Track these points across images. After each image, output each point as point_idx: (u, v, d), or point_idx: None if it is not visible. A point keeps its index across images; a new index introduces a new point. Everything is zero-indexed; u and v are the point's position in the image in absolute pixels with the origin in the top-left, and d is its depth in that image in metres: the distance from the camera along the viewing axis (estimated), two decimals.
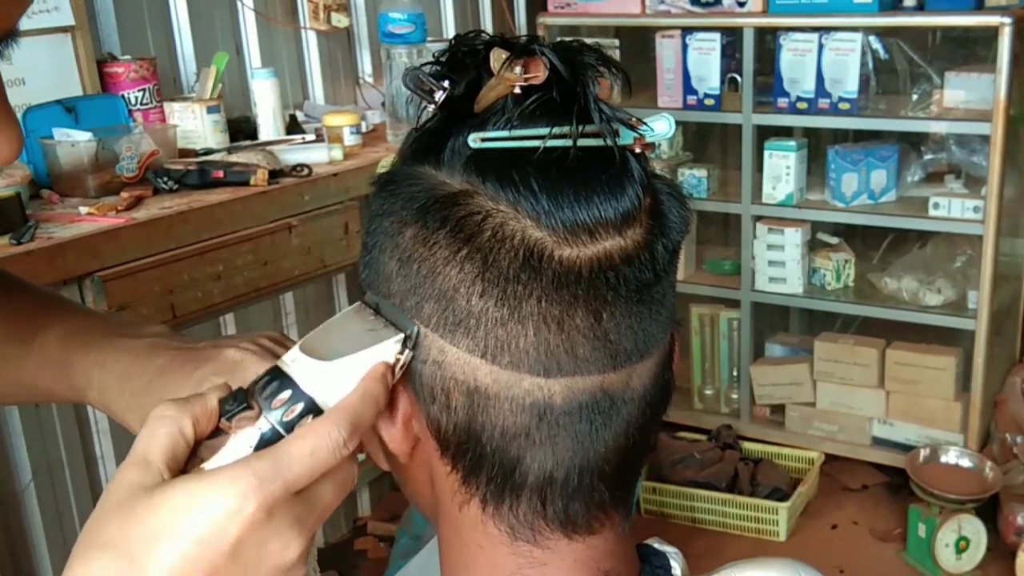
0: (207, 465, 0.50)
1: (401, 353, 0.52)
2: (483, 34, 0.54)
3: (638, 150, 0.52)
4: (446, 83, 0.53)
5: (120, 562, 0.46)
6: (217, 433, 0.51)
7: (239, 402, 0.51)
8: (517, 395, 0.52)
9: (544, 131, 0.50)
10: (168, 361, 0.69)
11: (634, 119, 0.52)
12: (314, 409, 0.51)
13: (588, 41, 0.53)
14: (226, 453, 0.50)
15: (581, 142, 0.51)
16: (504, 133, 0.51)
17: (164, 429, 0.50)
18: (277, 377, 0.51)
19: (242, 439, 0.50)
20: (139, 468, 0.48)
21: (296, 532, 0.48)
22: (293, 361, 0.52)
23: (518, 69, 0.50)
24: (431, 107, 0.54)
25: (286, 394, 0.51)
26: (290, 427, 0.50)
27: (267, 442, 0.50)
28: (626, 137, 0.52)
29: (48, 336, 0.74)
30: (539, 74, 0.51)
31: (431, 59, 0.54)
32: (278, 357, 0.66)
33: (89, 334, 0.74)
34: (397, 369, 0.53)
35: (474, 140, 0.51)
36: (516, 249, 0.50)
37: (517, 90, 0.51)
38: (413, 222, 0.52)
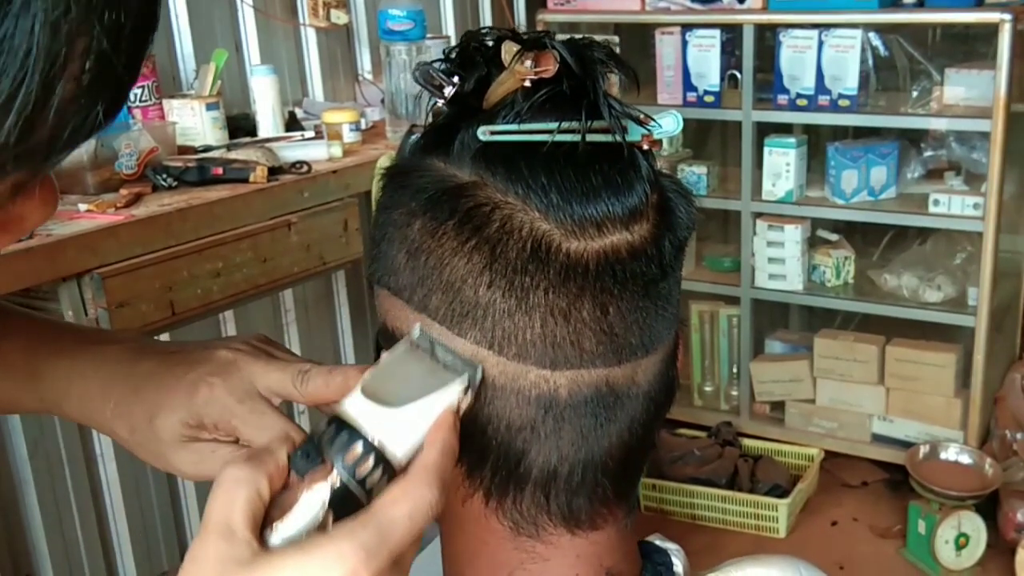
0: (281, 525, 0.48)
1: (465, 395, 0.51)
2: (493, 30, 0.54)
3: (646, 147, 0.52)
4: (455, 79, 0.54)
5: None
6: (284, 487, 0.49)
7: (310, 457, 0.49)
8: (523, 387, 0.52)
9: (553, 125, 0.51)
10: (156, 365, 0.66)
11: (643, 115, 0.52)
12: (384, 461, 0.49)
13: (599, 39, 0.53)
14: (300, 511, 0.48)
15: (590, 137, 0.51)
16: (513, 127, 0.51)
17: (243, 493, 0.47)
18: (344, 428, 0.49)
19: (315, 495, 0.48)
20: (226, 539, 0.45)
21: None
22: (357, 410, 0.50)
23: (529, 62, 0.51)
24: (440, 102, 0.54)
25: (357, 447, 0.49)
26: (362, 481, 0.48)
27: (339, 497, 0.48)
28: (634, 133, 0.52)
29: (10, 345, 0.71)
30: (550, 67, 0.51)
31: (442, 54, 0.54)
32: (271, 356, 0.65)
33: (57, 343, 0.71)
34: (460, 414, 0.51)
35: (483, 133, 0.51)
36: (524, 240, 0.50)
37: (527, 83, 0.51)
38: (422, 213, 0.52)
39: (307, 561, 0.44)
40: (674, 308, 0.55)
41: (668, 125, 0.53)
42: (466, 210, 0.51)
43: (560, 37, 0.53)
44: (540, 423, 0.52)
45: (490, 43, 0.53)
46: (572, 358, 0.51)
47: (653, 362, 0.55)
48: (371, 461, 0.49)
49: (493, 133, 0.51)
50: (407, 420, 0.50)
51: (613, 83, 0.52)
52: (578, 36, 0.53)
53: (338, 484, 0.48)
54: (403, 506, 0.47)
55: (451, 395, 0.51)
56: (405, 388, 0.51)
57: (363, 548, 0.44)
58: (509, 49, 0.52)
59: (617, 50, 2.85)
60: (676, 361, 0.57)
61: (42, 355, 0.70)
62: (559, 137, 0.50)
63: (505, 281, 0.50)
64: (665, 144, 2.92)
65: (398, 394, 0.50)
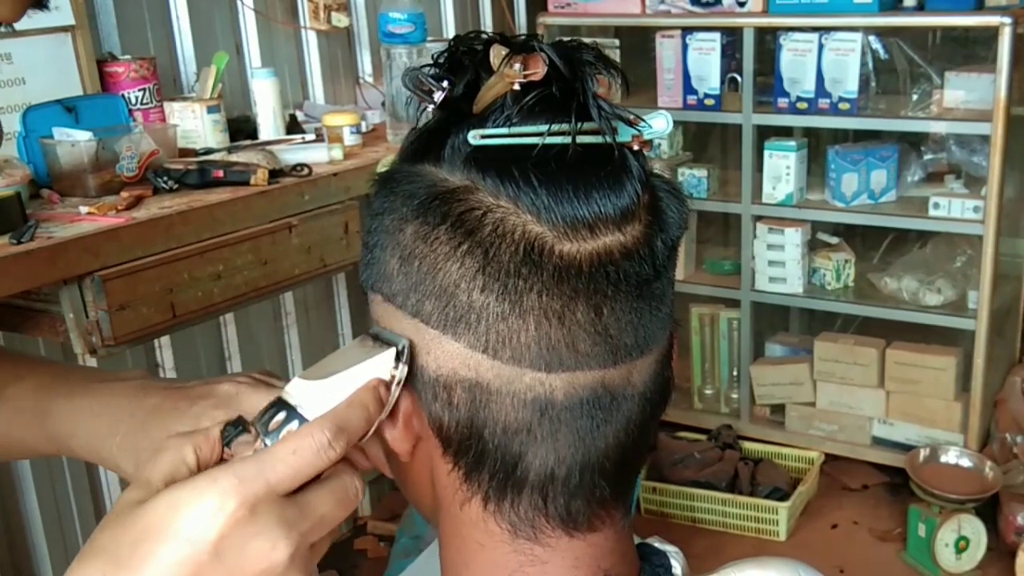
0: None
1: (396, 368, 0.53)
2: (482, 34, 0.54)
3: (636, 147, 0.52)
4: (445, 83, 0.54)
5: (107, 565, 0.47)
6: (220, 462, 0.52)
7: (236, 427, 0.53)
8: (519, 390, 0.52)
9: (543, 128, 0.51)
10: (161, 400, 0.69)
11: (633, 116, 0.53)
12: None
13: (587, 41, 0.54)
14: None
15: (580, 139, 0.51)
16: (504, 130, 0.52)
17: (167, 456, 0.52)
18: (275, 404, 0.53)
19: None
20: (139, 489, 0.50)
21: (283, 532, 0.48)
22: (291, 387, 0.53)
23: (517, 66, 0.51)
24: (431, 107, 0.55)
25: (281, 416, 0.52)
26: None
27: None
28: (625, 134, 0.52)
29: (23, 387, 0.74)
30: (538, 70, 0.51)
31: (431, 60, 0.55)
32: (272, 387, 0.67)
33: (67, 382, 0.74)
34: (394, 385, 0.53)
35: (474, 137, 0.52)
36: (517, 243, 0.50)
37: (516, 86, 0.51)
38: (414, 219, 0.52)
39: (183, 489, 0.48)
40: (668, 308, 0.55)
41: (658, 126, 0.53)
42: (458, 214, 0.51)
43: (557, 39, 0.53)
44: (536, 426, 0.52)
45: (478, 47, 0.53)
46: (567, 360, 0.51)
47: (648, 363, 0.55)
48: (295, 427, 0.51)
49: (484, 137, 0.51)
50: (332, 389, 0.52)
51: (604, 84, 0.52)
52: (567, 38, 0.53)
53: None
54: (289, 443, 0.50)
55: (378, 365, 0.53)
56: (339, 366, 0.53)
57: (236, 475, 0.48)
58: (497, 53, 0.52)
59: (617, 53, 2.87)
60: (671, 361, 0.57)
61: (52, 395, 0.73)
62: (549, 139, 0.51)
63: (498, 284, 0.50)
64: (665, 147, 2.94)
65: (331, 370, 0.53)
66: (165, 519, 0.47)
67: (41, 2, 0.56)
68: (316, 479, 0.51)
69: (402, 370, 0.53)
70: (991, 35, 2.39)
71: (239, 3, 2.33)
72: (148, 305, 1.57)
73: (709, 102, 2.79)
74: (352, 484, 0.52)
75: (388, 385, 0.53)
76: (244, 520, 0.47)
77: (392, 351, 0.53)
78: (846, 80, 2.58)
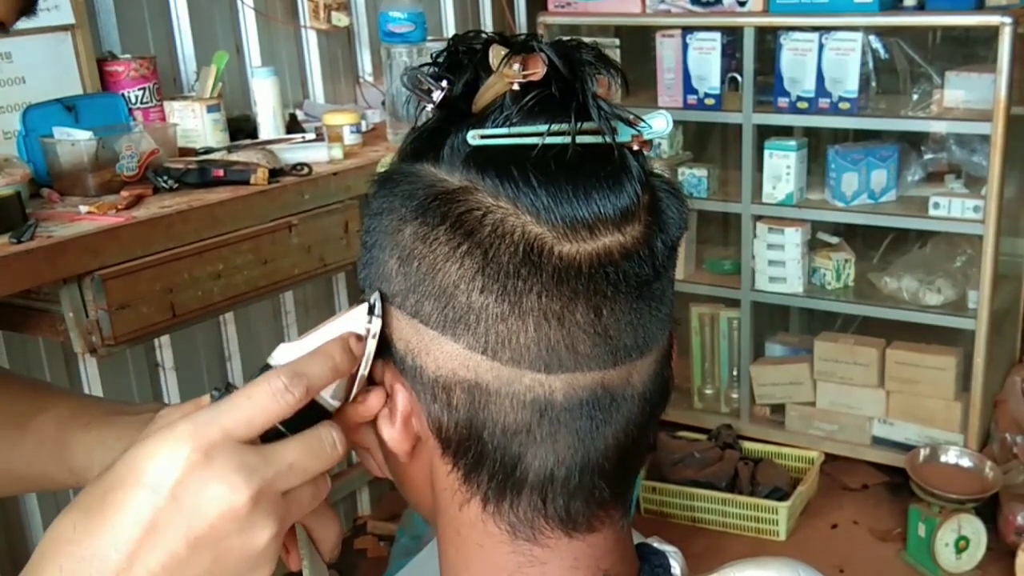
0: None
1: (370, 323, 0.53)
2: (481, 34, 0.54)
3: (636, 147, 0.52)
4: (444, 83, 0.54)
5: (79, 515, 0.49)
6: None
7: (220, 391, 0.54)
8: (518, 391, 0.52)
9: (543, 128, 0.51)
10: None
11: (632, 116, 0.52)
12: None
13: (587, 40, 0.54)
14: None
15: (580, 139, 0.51)
16: (503, 130, 0.52)
17: (158, 424, 0.54)
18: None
19: None
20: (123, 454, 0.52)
21: (242, 477, 0.48)
22: (276, 352, 0.54)
23: (517, 66, 0.51)
24: (430, 107, 0.55)
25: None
26: None
27: None
28: (624, 134, 0.52)
29: (46, 418, 0.76)
30: (538, 70, 0.51)
31: (430, 59, 0.55)
32: None
33: (87, 415, 0.76)
34: (369, 338, 0.53)
35: (473, 137, 0.51)
36: (516, 244, 0.50)
37: (516, 87, 0.51)
38: (413, 219, 0.52)
39: (145, 441, 0.49)
40: (668, 308, 0.55)
41: (658, 125, 0.53)
42: (457, 215, 0.51)
43: (557, 38, 0.53)
44: (536, 427, 0.52)
45: (478, 47, 0.53)
46: (567, 361, 0.51)
47: (648, 363, 0.54)
48: None
49: (483, 137, 0.51)
50: (308, 345, 0.53)
51: (604, 84, 0.52)
52: (566, 38, 0.53)
53: None
54: (245, 391, 0.50)
55: (350, 319, 0.54)
56: (319, 327, 0.55)
57: (191, 423, 0.49)
58: (497, 53, 0.52)
59: (617, 53, 2.86)
60: (671, 361, 0.57)
61: (72, 427, 0.75)
62: (549, 140, 0.51)
63: (498, 285, 0.50)
64: (665, 147, 2.94)
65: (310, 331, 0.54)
66: (129, 469, 0.49)
67: (31, 8, 0.57)
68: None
69: (375, 323, 0.53)
70: (991, 35, 2.38)
71: (239, 2, 2.33)
72: (148, 304, 1.57)
73: (709, 102, 2.79)
74: (328, 435, 0.52)
75: (362, 338, 0.54)
76: (199, 464, 0.48)
77: (364, 306, 0.53)
78: (846, 80, 2.58)
